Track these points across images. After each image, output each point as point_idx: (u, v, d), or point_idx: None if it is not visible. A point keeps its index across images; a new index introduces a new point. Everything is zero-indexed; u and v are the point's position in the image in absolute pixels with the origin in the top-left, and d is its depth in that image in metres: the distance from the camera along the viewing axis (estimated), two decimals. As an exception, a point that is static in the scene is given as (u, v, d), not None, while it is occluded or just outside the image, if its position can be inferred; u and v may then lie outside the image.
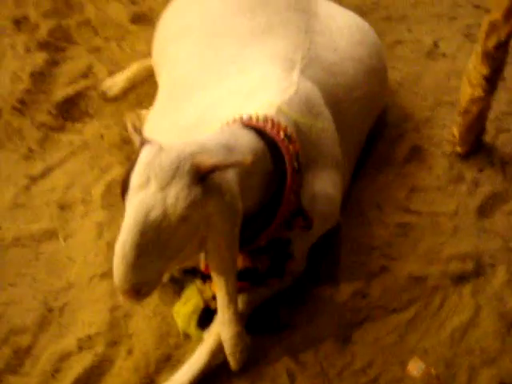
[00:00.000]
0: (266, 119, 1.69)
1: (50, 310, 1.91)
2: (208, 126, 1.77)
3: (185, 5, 2.25)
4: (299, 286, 1.95)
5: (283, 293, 1.91)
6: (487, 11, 2.17)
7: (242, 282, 1.75)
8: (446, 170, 2.31)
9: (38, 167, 2.27)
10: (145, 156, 1.39)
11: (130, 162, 1.43)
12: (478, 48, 2.11)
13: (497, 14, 2.01)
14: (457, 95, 2.34)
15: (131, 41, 2.76)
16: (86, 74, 2.61)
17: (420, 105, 2.54)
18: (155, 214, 1.35)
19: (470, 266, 2.06)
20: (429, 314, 1.93)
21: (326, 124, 1.89)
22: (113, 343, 1.83)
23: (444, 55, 2.74)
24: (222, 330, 1.67)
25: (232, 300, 1.61)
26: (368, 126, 2.28)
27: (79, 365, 1.77)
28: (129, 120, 2.36)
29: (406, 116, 2.49)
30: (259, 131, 1.65)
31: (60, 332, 1.86)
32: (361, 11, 2.82)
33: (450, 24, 2.87)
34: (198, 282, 1.84)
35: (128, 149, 2.31)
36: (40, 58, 2.63)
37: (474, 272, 2.05)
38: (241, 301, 1.78)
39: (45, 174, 2.25)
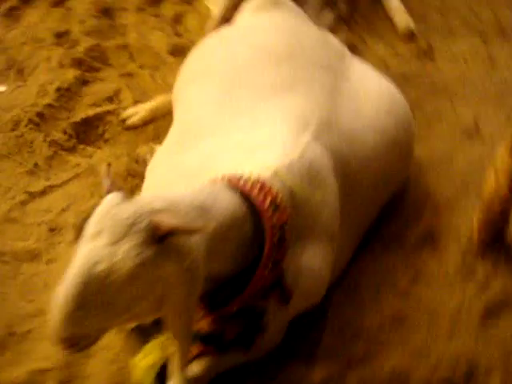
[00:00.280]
0: (255, 182, 1.62)
1: (12, 335, 1.88)
2: (206, 177, 1.72)
3: (211, 47, 2.23)
4: (272, 359, 1.85)
5: (253, 364, 1.81)
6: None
7: (206, 345, 1.68)
8: (457, 263, 2.17)
9: (39, 184, 2.27)
10: (104, 205, 1.35)
11: (92, 207, 1.38)
12: (508, 139, 2.00)
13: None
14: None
15: (164, 72, 2.77)
16: (112, 98, 2.63)
17: (445, 187, 2.42)
18: (101, 268, 1.30)
19: (461, 370, 1.92)
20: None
21: (326, 196, 1.80)
22: (65, 382, 1.77)
23: (482, 136, 2.62)
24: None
25: (181, 365, 1.53)
26: (382, 201, 2.18)
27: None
28: (140, 153, 2.37)
29: (428, 196, 2.38)
30: (244, 195, 1.58)
31: (14, 359, 1.82)
32: (404, 77, 2.77)
33: (494, 104, 2.75)
34: (163, 337, 1.76)
35: (133, 182, 2.29)
36: (71, 74, 2.67)
37: (465, 378, 1.90)
38: (200, 364, 1.70)
39: (44, 192, 2.25)
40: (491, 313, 2.06)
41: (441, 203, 2.36)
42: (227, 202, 1.54)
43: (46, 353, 1.82)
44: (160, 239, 1.33)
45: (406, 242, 2.21)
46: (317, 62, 2.11)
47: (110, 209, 1.33)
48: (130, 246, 1.30)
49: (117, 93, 2.64)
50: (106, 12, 2.96)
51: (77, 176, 2.31)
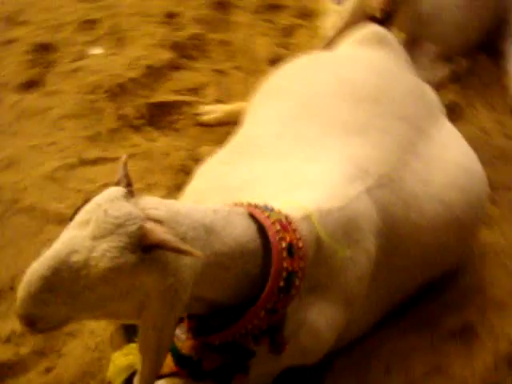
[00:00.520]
0: (280, 220, 1.51)
1: (13, 289, 1.88)
2: (246, 197, 1.64)
3: (298, 67, 2.16)
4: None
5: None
6: None
7: (180, 367, 1.60)
8: (487, 371, 1.96)
9: (93, 153, 2.29)
10: (101, 196, 1.30)
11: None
12: None
13: None
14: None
15: (257, 79, 2.70)
16: (196, 90, 2.61)
17: (503, 284, 2.21)
18: (76, 258, 1.25)
19: None
20: None
21: (357, 256, 1.67)
22: (39, 353, 1.76)
23: None
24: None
25: (142, 380, 1.46)
26: (426, 277, 2.01)
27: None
28: (202, 153, 2.33)
29: (480, 288, 2.18)
30: (262, 230, 1.48)
31: (5, 314, 1.82)
32: (503, 155, 2.56)
33: None
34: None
35: (182, 178, 2.24)
36: (167, 55, 2.68)
37: None
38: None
39: (95, 162, 2.26)
40: None
41: (492, 300, 2.15)
42: (240, 232, 1.45)
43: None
44: (145, 249, 1.27)
45: (437, 330, 2.02)
46: (401, 113, 1.98)
47: (105, 202, 1.28)
48: (110, 246, 1.24)
49: (203, 86, 2.63)
50: (222, 5, 2.96)
51: (132, 155, 2.30)
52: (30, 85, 2.50)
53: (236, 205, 1.57)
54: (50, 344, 1.77)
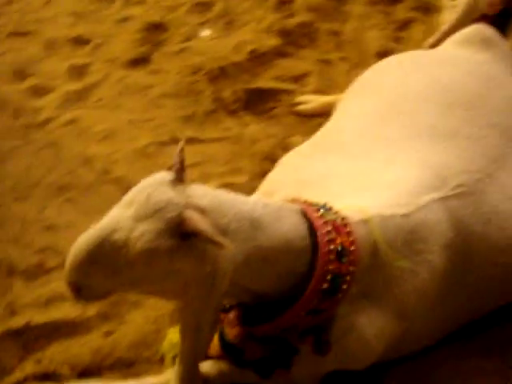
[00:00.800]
0: (332, 221, 1.49)
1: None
2: (316, 192, 1.64)
3: (395, 64, 2.10)
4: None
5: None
6: None
7: (225, 353, 1.65)
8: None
9: (186, 133, 2.36)
10: (149, 179, 1.36)
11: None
12: None
13: None
14: None
15: (362, 72, 2.66)
16: (298, 78, 2.61)
17: None
18: (118, 237, 1.32)
19: None
20: None
21: (418, 268, 1.60)
22: (103, 317, 1.87)
23: None
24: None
25: (183, 362, 1.52)
26: (498, 302, 1.88)
27: (61, 312, 1.84)
28: (292, 142, 2.33)
29: None
30: (313, 229, 1.47)
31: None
32: None
33: None
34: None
35: (268, 166, 2.26)
36: (273, 41, 2.71)
37: None
38: (214, 366, 1.67)
39: (186, 142, 2.31)
40: None
41: None
42: (288, 229, 1.45)
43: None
44: (183, 236, 1.31)
45: (508, 355, 1.91)
46: (494, 121, 1.87)
47: (150, 186, 1.34)
48: (147, 229, 1.30)
49: (305, 75, 2.62)
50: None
51: (222, 138, 2.36)
52: (137, 62, 2.63)
53: (292, 201, 1.57)
54: (114, 310, 1.88)
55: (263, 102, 2.51)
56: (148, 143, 2.31)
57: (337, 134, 1.98)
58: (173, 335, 1.82)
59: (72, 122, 2.40)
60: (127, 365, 1.79)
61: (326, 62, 2.68)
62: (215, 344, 1.72)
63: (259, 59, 2.63)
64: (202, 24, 2.76)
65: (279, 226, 1.45)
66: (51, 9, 3.09)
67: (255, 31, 2.73)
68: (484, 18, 2.31)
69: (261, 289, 1.50)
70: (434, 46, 2.42)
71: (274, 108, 2.50)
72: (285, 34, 2.75)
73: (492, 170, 1.75)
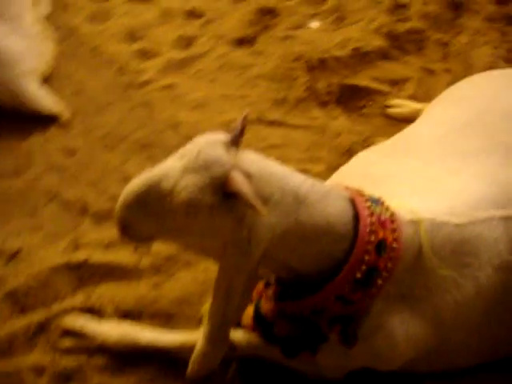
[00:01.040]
0: (379, 214, 1.50)
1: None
2: (378, 189, 1.66)
3: (483, 80, 2.08)
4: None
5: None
6: None
7: (256, 324, 1.69)
8: None
9: (273, 115, 2.44)
10: (205, 137, 1.42)
11: None
12: None
13: None
14: None
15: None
16: (397, 82, 2.62)
17: None
18: (165, 186, 1.40)
19: None
20: None
21: (462, 281, 1.57)
22: (156, 269, 1.97)
23: None
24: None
25: (210, 321, 1.57)
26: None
27: (118, 256, 1.95)
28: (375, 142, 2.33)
29: None
30: (357, 218, 1.49)
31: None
32: None
33: None
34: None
35: (345, 160, 2.27)
36: (379, 42, 2.75)
37: None
38: (244, 337, 1.72)
39: (271, 123, 2.43)
40: None
41: None
42: (331, 211, 1.47)
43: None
44: (226, 195, 1.37)
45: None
46: None
47: (203, 143, 1.40)
48: (192, 182, 1.37)
49: (404, 80, 2.61)
50: (455, 5, 2.86)
51: (308, 127, 2.40)
52: (242, 42, 2.72)
53: (345, 188, 1.58)
54: (166, 265, 1.97)
55: (356, 98, 2.53)
56: (234, 118, 2.37)
57: (416, 137, 1.97)
58: (215, 299, 1.88)
59: (169, 87, 2.52)
60: (167, 317, 1.88)
61: (429, 71, 2.66)
62: (250, 315, 1.77)
63: (361, 57, 2.65)
64: (313, 16, 2.81)
65: (323, 207, 1.47)
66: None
67: (363, 30, 2.75)
68: None
69: (296, 266, 1.53)
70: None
71: (366, 106, 2.51)
72: (393, 37, 2.74)
73: None
